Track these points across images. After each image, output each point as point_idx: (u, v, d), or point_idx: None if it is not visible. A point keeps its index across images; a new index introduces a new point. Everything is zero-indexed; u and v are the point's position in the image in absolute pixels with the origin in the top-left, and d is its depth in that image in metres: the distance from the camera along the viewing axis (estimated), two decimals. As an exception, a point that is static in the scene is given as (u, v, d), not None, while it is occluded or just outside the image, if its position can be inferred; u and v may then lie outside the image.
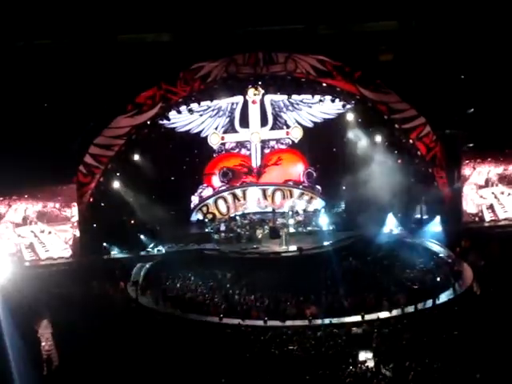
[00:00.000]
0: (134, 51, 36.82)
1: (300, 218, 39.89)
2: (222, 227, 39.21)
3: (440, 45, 38.33)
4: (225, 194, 40.77)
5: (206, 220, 39.92)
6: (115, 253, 36.91)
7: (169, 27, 37.36)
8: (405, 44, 38.58)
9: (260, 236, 38.54)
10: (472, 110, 38.89)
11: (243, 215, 40.16)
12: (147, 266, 35.75)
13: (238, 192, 40.88)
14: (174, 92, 37.44)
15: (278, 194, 41.11)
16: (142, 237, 37.97)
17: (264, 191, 41.14)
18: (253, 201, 40.92)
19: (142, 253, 37.06)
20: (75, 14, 35.86)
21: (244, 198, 40.80)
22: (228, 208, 40.71)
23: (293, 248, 36.90)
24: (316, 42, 37.97)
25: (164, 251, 37.14)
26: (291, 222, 39.25)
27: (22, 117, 35.88)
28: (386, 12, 38.36)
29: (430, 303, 31.02)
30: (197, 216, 40.47)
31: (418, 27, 38.94)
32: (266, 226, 39.12)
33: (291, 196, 41.06)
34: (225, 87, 38.29)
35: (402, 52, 38.52)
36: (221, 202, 40.69)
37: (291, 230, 38.80)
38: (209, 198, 40.67)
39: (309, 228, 39.31)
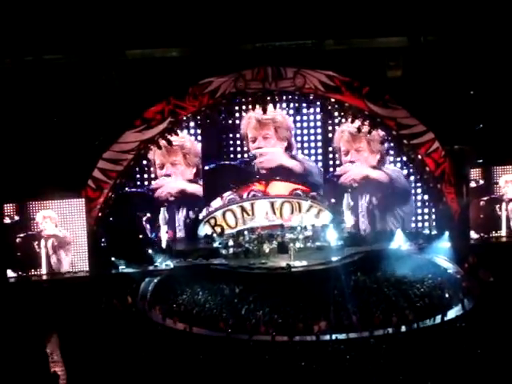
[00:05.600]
0: (142, 66, 37.00)
1: (308, 233, 39.76)
2: (230, 242, 39.13)
3: (449, 60, 38.38)
4: (233, 207, 40.66)
5: (214, 235, 39.80)
6: (123, 267, 36.87)
7: (177, 42, 37.50)
8: (413, 60, 38.58)
9: (268, 251, 38.46)
10: (481, 125, 38.87)
11: (251, 230, 40.05)
12: (155, 280, 35.72)
13: (247, 205, 40.73)
14: (183, 107, 37.52)
15: (287, 207, 40.85)
16: (150, 251, 38.02)
17: (272, 204, 40.95)
18: (261, 214, 40.73)
19: (150, 267, 37.01)
20: (84, 28, 36.04)
21: (252, 212, 40.61)
22: (236, 221, 40.56)
23: (299, 263, 36.87)
24: (324, 58, 38.04)
25: (172, 266, 37.10)
26: (300, 237, 39.14)
27: (31, 131, 36.10)
28: (394, 28, 38.42)
29: (438, 319, 30.93)
30: (204, 227, 40.31)
31: (427, 43, 38.97)
32: (274, 241, 39.04)
33: (300, 209, 40.77)
34: (233, 102, 38.44)
35: (410, 68, 38.54)
36: (229, 215, 40.54)
37: (299, 245, 38.71)
38: (217, 210, 40.53)
39: (317, 243, 39.19)
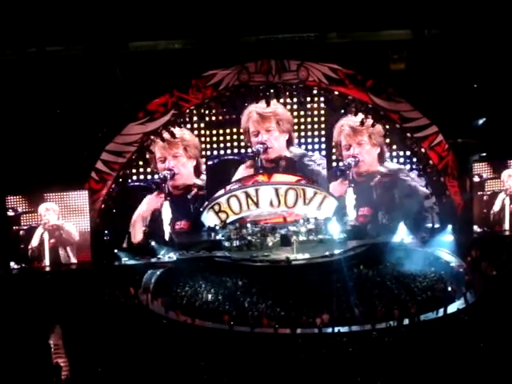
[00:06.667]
0: (146, 58, 36.99)
1: (311, 226, 39.71)
2: (233, 235, 39.08)
3: (453, 54, 38.36)
4: (237, 193, 40.46)
5: (217, 227, 39.73)
6: (126, 259, 36.90)
7: (181, 35, 37.49)
8: (417, 53, 38.55)
9: (271, 244, 38.44)
10: (484, 119, 38.84)
11: (254, 223, 40.00)
12: (158, 272, 35.73)
13: (251, 191, 40.50)
14: (187, 99, 37.49)
15: (291, 194, 40.60)
16: (153, 244, 38.04)
17: (276, 190, 40.76)
18: (265, 202, 40.53)
19: (153, 260, 37.04)
20: (87, 21, 36.04)
21: (257, 198, 40.41)
22: (241, 207, 40.36)
23: (302, 256, 36.87)
24: (328, 51, 38.01)
25: (175, 258, 37.11)
26: (302, 229, 39.10)
27: (34, 123, 36.12)
28: (398, 21, 38.39)
29: (441, 313, 30.93)
30: (208, 214, 40.16)
31: (431, 36, 38.93)
32: (276, 234, 39.01)
33: (304, 195, 40.48)
34: (237, 95, 38.38)
35: (414, 61, 38.51)
36: (233, 200, 40.26)
37: (302, 238, 38.69)
38: (221, 196, 40.38)
39: (320, 236, 39.16)
